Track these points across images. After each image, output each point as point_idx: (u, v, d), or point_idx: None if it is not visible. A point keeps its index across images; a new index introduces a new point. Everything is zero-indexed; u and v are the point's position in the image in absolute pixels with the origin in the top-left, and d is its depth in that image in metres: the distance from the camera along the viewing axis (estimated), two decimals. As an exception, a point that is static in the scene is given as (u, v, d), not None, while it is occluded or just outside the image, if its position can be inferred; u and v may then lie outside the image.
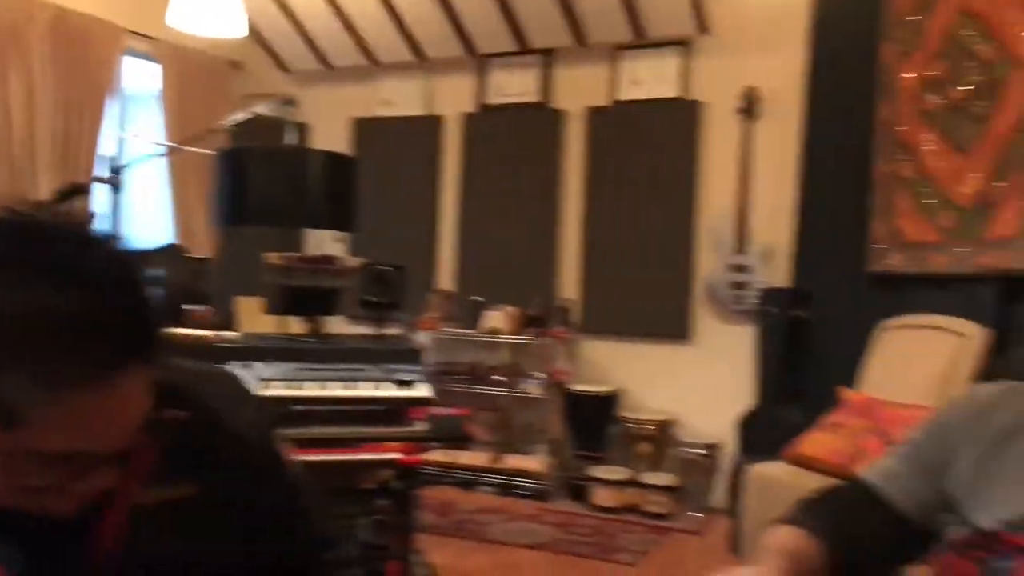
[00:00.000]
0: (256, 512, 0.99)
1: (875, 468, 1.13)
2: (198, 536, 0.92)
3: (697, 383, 4.92)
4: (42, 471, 0.76)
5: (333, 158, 3.39)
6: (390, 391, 2.52)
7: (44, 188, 4.44)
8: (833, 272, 4.32)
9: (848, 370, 3.86)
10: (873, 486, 1.11)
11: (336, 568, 1.07)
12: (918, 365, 3.55)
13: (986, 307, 3.51)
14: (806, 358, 4.46)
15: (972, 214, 3.59)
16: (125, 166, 3.44)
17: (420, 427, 2.49)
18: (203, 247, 5.23)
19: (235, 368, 2.50)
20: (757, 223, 4.73)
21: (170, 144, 3.60)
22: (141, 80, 5.29)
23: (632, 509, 4.60)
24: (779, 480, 3.41)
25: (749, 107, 4.70)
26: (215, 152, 3.36)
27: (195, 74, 5.38)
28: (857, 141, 4.16)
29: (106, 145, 4.88)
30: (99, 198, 3.97)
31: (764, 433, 4.23)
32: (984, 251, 3.48)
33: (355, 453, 2.49)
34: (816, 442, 3.47)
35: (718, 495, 4.69)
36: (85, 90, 4.70)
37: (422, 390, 2.54)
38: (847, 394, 3.75)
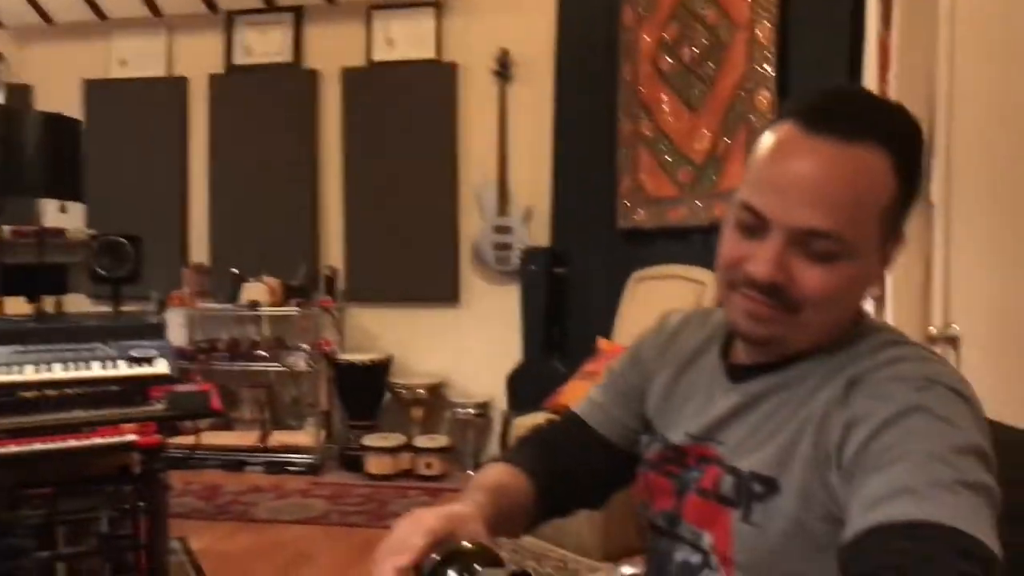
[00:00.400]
0: None
1: (582, 401, 1.17)
2: None
3: (467, 344, 4.98)
4: None
5: (53, 119, 3.04)
6: (122, 370, 2.31)
7: None
8: (588, 229, 4.51)
9: (605, 321, 4.06)
10: (578, 417, 1.15)
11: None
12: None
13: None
14: (567, 313, 4.65)
15: (705, 169, 3.86)
16: None
17: (159, 406, 2.30)
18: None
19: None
20: (517, 185, 4.83)
21: None
22: None
23: (406, 474, 4.60)
24: (542, 430, 3.50)
25: (503, 69, 4.77)
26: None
27: None
28: (605, 102, 4.35)
29: None
30: None
31: (531, 387, 4.35)
32: (716, 203, 3.75)
33: (88, 439, 2.26)
34: (575, 391, 3.62)
35: (491, 452, 4.79)
36: None
37: (160, 367, 2.36)
38: (603, 344, 3.95)
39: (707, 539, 0.94)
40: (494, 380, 4.68)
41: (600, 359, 3.79)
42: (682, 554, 0.98)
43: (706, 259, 3.83)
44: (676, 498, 0.99)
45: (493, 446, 4.80)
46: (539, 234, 4.78)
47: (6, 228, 2.95)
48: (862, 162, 0.85)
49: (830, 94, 0.93)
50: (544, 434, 1.17)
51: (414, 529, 0.78)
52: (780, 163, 0.88)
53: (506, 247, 4.80)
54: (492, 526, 0.85)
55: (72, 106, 5.01)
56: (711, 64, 3.78)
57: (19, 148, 2.86)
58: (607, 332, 4.02)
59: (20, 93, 5.10)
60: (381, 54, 4.99)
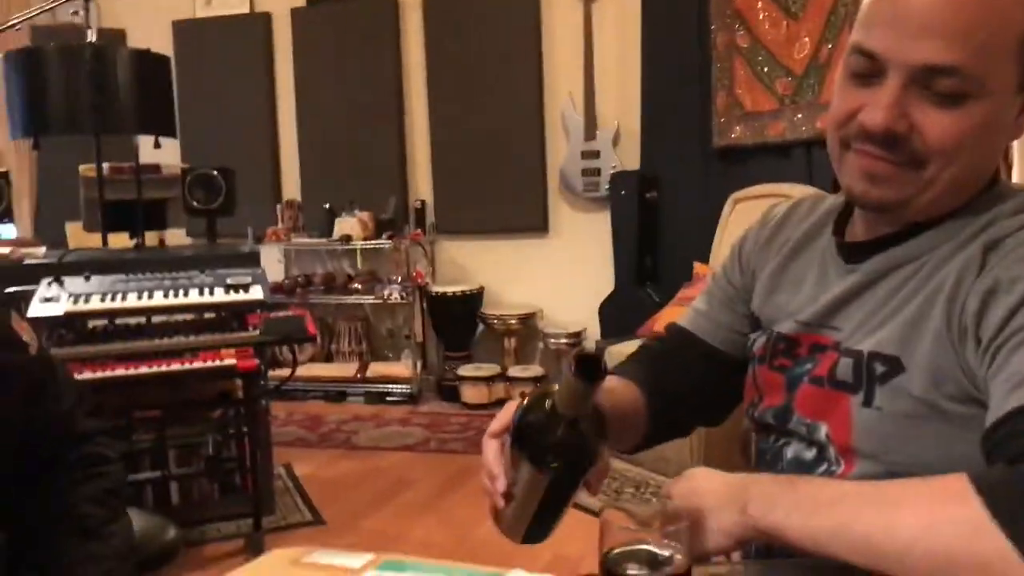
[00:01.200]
0: None
1: (686, 313, 1.10)
2: None
3: (558, 273, 4.92)
4: None
5: (142, 56, 3.09)
6: (219, 297, 2.35)
7: None
8: (680, 150, 4.34)
9: (701, 246, 3.92)
10: (685, 330, 1.08)
11: (86, 462, 0.96)
12: (762, 232, 3.63)
13: (825, 170, 3.60)
14: (660, 238, 4.52)
15: (806, 78, 3.64)
16: None
17: (256, 331, 2.34)
18: (9, 164, 4.76)
19: (45, 286, 2.28)
20: (605, 107, 4.68)
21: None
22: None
23: (501, 403, 4.61)
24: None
25: (588, -12, 4.59)
26: (2, 57, 3.01)
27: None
28: (695, 14, 4.14)
29: None
30: None
31: (624, 315, 4.28)
32: (819, 115, 3.54)
33: (190, 363, 2.32)
34: (670, 317, 3.53)
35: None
36: None
37: (255, 293, 2.39)
38: (699, 268, 3.83)
39: (823, 430, 0.86)
40: (586, 309, 4.62)
41: (696, 284, 3.68)
42: (794, 450, 0.90)
43: (809, 176, 3.64)
44: (787, 392, 0.91)
45: (587, 375, 4.75)
46: (628, 158, 4.64)
47: (105, 165, 3.03)
48: None
49: None
50: (651, 351, 1.10)
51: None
52: None
53: (594, 172, 4.68)
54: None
55: (163, 48, 5.09)
56: (811, -34, 3.53)
57: (112, 87, 2.92)
58: (704, 257, 3.88)
59: (112, 37, 5.20)
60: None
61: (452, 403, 4.69)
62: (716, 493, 0.75)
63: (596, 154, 4.66)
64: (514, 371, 4.67)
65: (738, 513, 0.73)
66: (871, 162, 0.79)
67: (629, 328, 3.87)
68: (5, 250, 2.57)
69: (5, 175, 3.05)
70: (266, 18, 5.24)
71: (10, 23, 3.17)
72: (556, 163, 4.83)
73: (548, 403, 0.73)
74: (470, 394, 4.62)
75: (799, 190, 3.56)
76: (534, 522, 0.79)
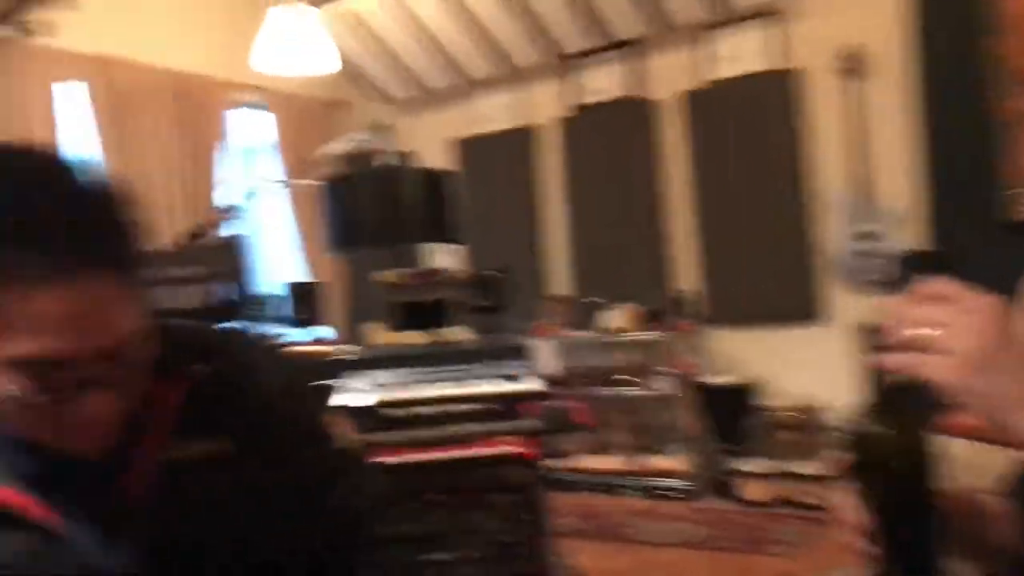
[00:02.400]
0: (285, 474, 0.97)
1: None
2: (227, 494, 0.91)
3: (838, 363, 4.65)
4: (30, 381, 0.77)
5: (430, 174, 3.45)
6: (498, 387, 2.51)
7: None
8: (967, 227, 4.01)
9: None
10: None
11: (368, 548, 1.04)
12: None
13: None
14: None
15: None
16: (244, 205, 3.64)
17: (532, 421, 2.46)
18: (326, 274, 5.47)
19: (354, 380, 2.58)
20: (879, 185, 4.47)
21: (281, 181, 3.77)
22: (258, 129, 5.64)
23: (785, 502, 4.39)
24: (951, 456, 3.15)
25: (852, 67, 4.46)
26: (321, 183, 3.50)
27: (304, 116, 5.70)
28: (974, 82, 3.88)
29: (227, 189, 5.21)
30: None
31: (918, 407, 3.94)
32: None
33: (473, 450, 2.48)
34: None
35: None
36: (202, 141, 5.03)
37: (531, 384, 2.52)
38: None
39: None
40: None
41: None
42: None
43: None
44: None
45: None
46: (907, 238, 4.35)
47: (401, 272, 3.39)
48: None
49: None
50: None
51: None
52: None
53: (870, 255, 4.44)
54: None
55: (447, 165, 5.65)
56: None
57: (407, 202, 3.28)
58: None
59: (406, 157, 5.84)
60: (718, 72, 4.95)
61: (729, 499, 4.54)
62: None
63: (870, 235, 4.43)
64: (795, 467, 4.43)
65: None
66: None
67: (927, 420, 3.55)
68: (324, 348, 2.94)
69: (322, 284, 3.50)
70: (536, 129, 5.64)
71: (325, 154, 3.70)
72: (824, 247, 4.65)
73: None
74: (750, 490, 4.43)
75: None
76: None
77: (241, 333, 1.15)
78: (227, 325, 3.21)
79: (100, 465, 0.85)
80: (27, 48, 4.24)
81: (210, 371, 0.92)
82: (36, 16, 4.15)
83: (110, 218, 0.81)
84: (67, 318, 0.76)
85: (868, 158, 4.45)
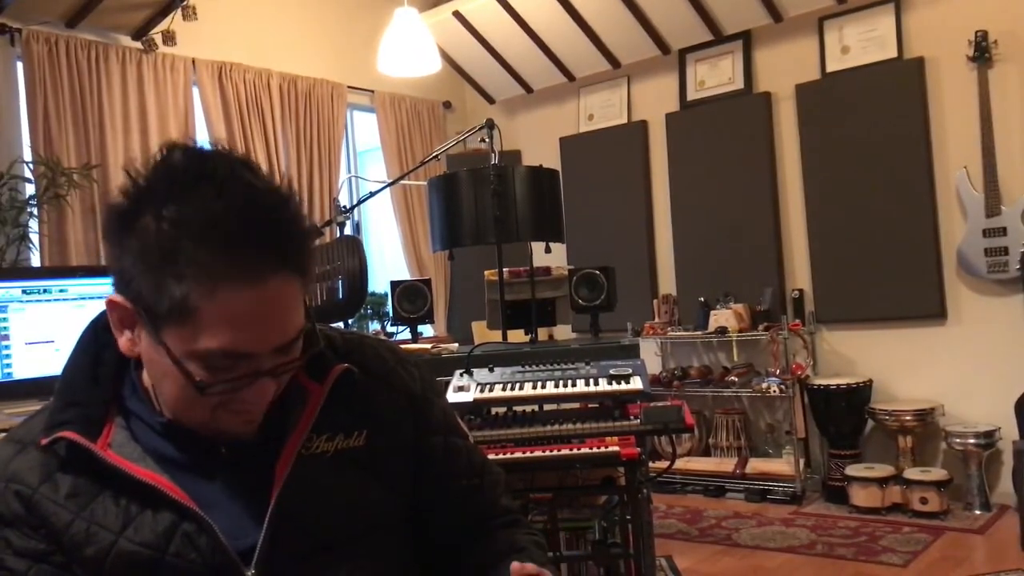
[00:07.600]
0: (416, 466, 1.04)
1: None
2: (359, 485, 0.98)
3: (961, 364, 4.44)
4: (212, 371, 0.84)
5: (535, 172, 3.46)
6: (603, 387, 2.50)
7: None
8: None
9: None
10: None
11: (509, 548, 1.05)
12: None
13: None
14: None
15: None
16: (355, 206, 3.75)
17: (636, 420, 2.44)
18: (432, 273, 5.57)
19: (458, 377, 2.62)
20: (1009, 179, 4.23)
21: (390, 182, 3.87)
22: (367, 130, 5.79)
23: (897, 508, 4.22)
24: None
25: (981, 52, 4.23)
26: (427, 183, 3.57)
27: (412, 118, 5.82)
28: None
29: (342, 190, 5.38)
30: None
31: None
32: None
33: (575, 449, 2.48)
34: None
35: (1003, 489, 4.18)
36: (318, 142, 5.20)
37: (635, 384, 2.50)
38: None
39: None
40: (999, 405, 4.10)
41: None
42: None
43: None
44: None
45: (1005, 482, 4.17)
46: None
47: (504, 270, 3.42)
48: None
49: None
50: None
51: None
52: None
53: (1001, 251, 4.20)
54: None
55: (552, 162, 5.65)
56: None
57: (511, 201, 3.30)
58: None
59: (511, 157, 5.89)
60: (835, 64, 4.77)
61: (839, 505, 4.39)
62: None
63: (1002, 231, 4.19)
64: (911, 473, 4.24)
65: None
66: None
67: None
68: (427, 346, 3.00)
69: (428, 282, 3.56)
70: (643, 125, 5.56)
71: (433, 154, 3.77)
72: (952, 244, 4.42)
73: None
74: (861, 496, 4.28)
75: None
76: None
77: (370, 336, 1.21)
78: (345, 322, 3.33)
79: (248, 451, 0.92)
80: (161, 57, 4.48)
81: (352, 370, 0.98)
82: (166, 27, 4.37)
83: (296, 224, 0.86)
84: (255, 317, 0.83)
85: (994, 150, 4.21)
